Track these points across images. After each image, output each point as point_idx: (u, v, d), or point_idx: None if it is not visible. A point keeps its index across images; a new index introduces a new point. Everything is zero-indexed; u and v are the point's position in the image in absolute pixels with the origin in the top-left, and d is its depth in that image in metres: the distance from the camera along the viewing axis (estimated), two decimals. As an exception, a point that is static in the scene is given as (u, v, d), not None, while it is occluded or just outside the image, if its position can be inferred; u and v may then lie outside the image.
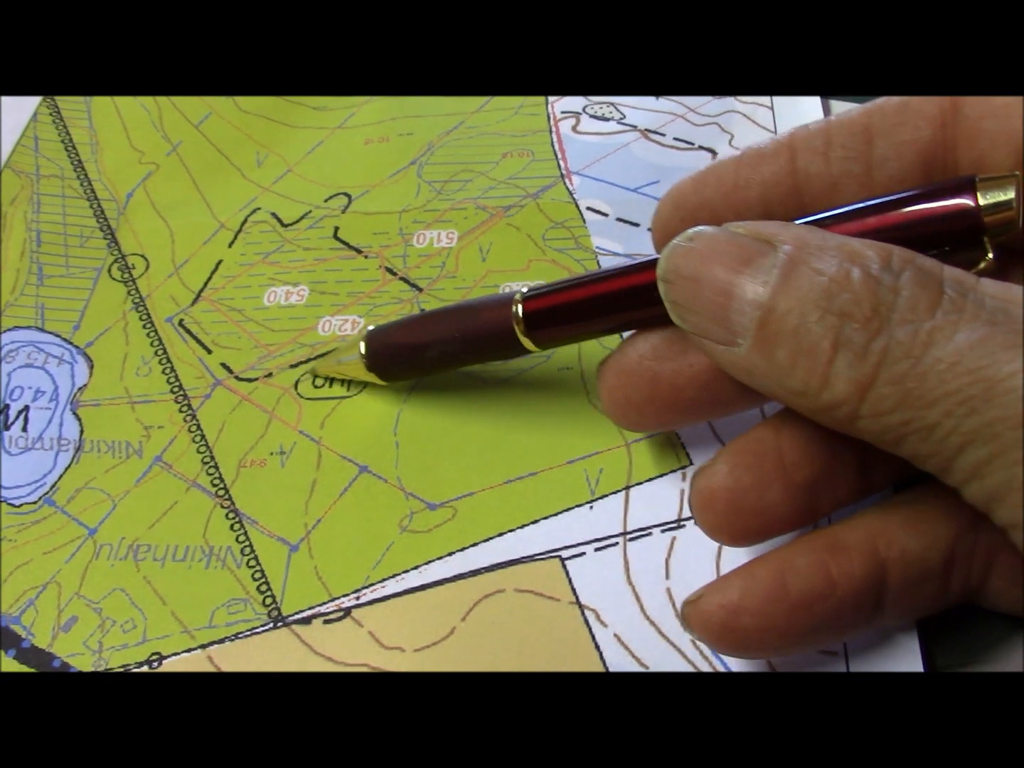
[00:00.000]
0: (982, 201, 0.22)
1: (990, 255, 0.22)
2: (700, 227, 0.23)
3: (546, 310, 0.27)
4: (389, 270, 0.36)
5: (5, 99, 0.43)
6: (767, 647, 0.24)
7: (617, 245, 0.34)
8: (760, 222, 0.22)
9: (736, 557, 0.27)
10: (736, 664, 0.26)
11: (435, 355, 0.30)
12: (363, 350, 0.31)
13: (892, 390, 0.19)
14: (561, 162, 0.37)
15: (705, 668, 0.26)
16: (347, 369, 0.32)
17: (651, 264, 0.24)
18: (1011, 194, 0.21)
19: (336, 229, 0.37)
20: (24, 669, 0.29)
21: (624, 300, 0.25)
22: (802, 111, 0.35)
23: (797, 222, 0.23)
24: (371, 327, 0.32)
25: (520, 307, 0.27)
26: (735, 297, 0.21)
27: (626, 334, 0.27)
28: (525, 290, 0.27)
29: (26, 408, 0.35)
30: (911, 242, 0.21)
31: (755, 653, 0.24)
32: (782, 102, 0.36)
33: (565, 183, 0.36)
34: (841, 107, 0.35)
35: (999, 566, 0.23)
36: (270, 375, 0.34)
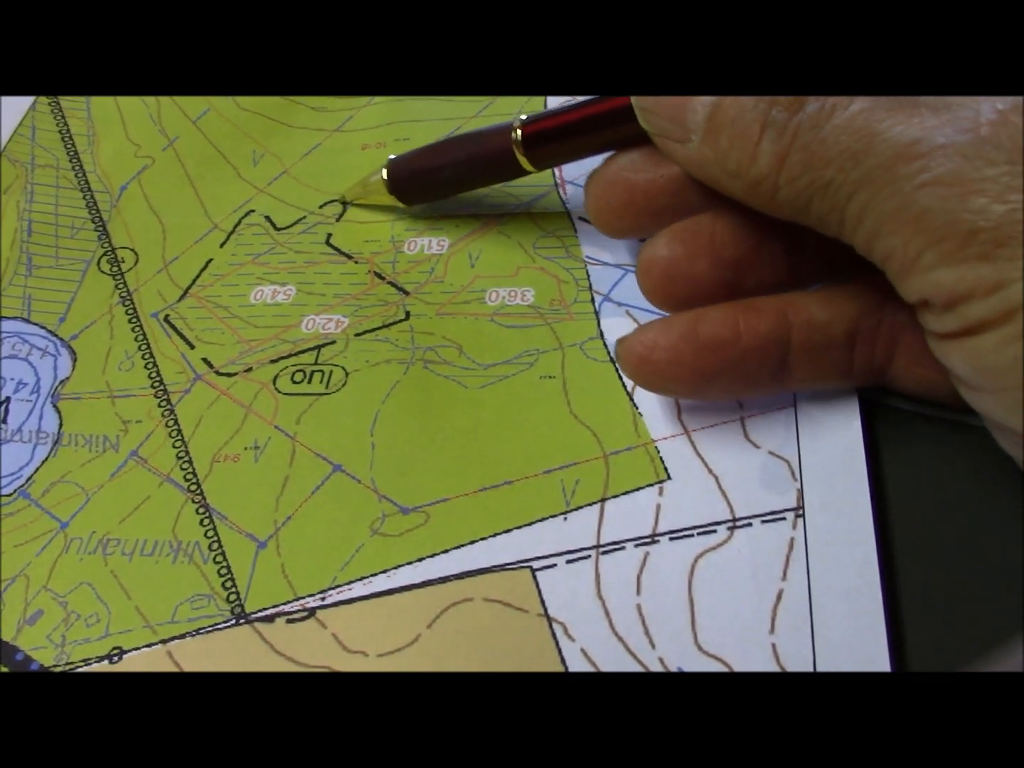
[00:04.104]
0: None
1: None
2: None
3: (541, 132, 0.30)
4: (378, 275, 0.35)
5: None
6: (679, 382, 0.27)
7: (607, 255, 0.34)
8: None
9: (708, 566, 0.27)
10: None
11: (447, 176, 0.34)
12: (385, 175, 0.36)
13: (800, 156, 0.23)
14: (556, 171, 0.36)
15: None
16: (371, 192, 0.37)
17: None
18: None
19: (329, 236, 0.37)
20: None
21: (606, 119, 0.29)
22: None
23: None
24: (393, 155, 0.36)
25: (519, 131, 0.31)
26: (690, 99, 0.25)
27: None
28: (524, 117, 0.31)
29: (7, 400, 0.35)
30: None
31: (669, 387, 0.28)
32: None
33: (559, 192, 0.36)
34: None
35: (903, 346, 0.27)
36: (250, 370, 0.33)
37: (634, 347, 0.27)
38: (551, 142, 0.30)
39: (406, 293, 0.35)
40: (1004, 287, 0.21)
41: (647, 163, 0.28)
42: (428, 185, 0.36)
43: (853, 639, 0.25)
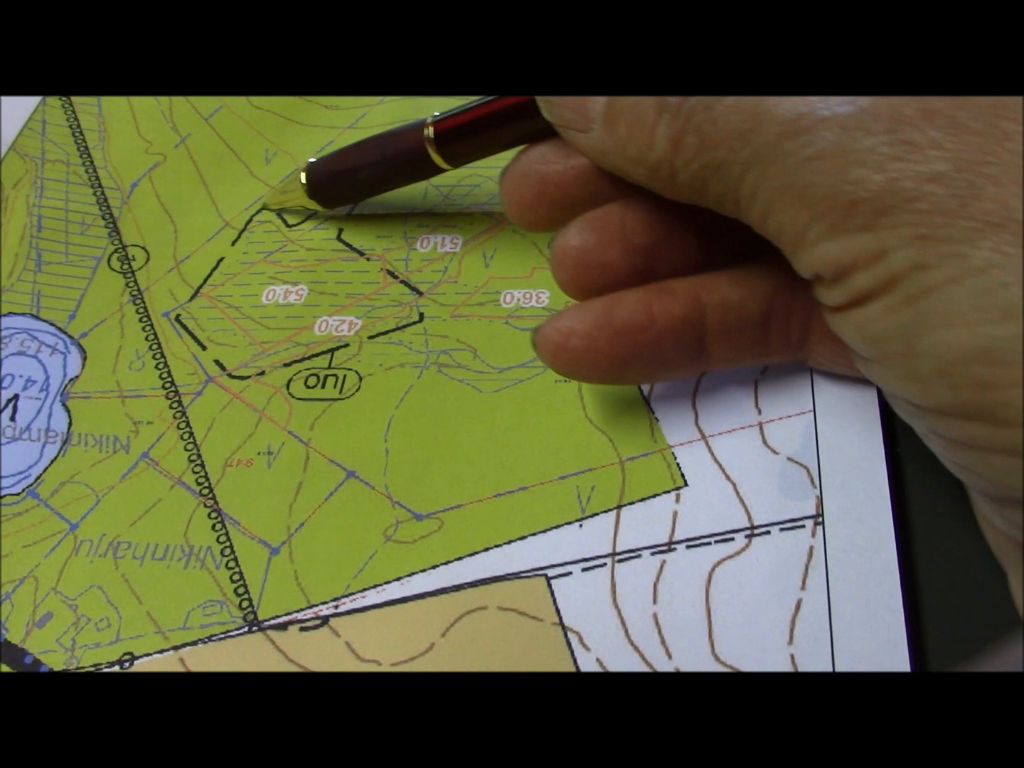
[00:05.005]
0: None
1: None
2: None
3: (452, 128, 0.30)
4: (391, 273, 0.35)
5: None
6: (594, 368, 0.27)
7: (624, 257, 0.33)
8: None
9: (726, 575, 0.26)
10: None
11: (364, 177, 0.35)
12: (303, 179, 0.36)
13: (694, 138, 0.23)
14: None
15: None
16: (290, 197, 0.37)
17: None
18: None
19: (340, 231, 0.37)
20: (-5, 664, 0.29)
21: (513, 113, 0.29)
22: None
23: None
24: (312, 159, 0.36)
25: (432, 129, 0.31)
26: None
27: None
28: (437, 114, 0.31)
29: (16, 397, 0.34)
30: None
31: (586, 374, 0.28)
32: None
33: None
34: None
35: (817, 322, 0.27)
36: (263, 373, 0.33)
37: (550, 335, 0.27)
38: (463, 138, 0.30)
39: (419, 293, 0.34)
40: (885, 256, 0.21)
41: (557, 155, 0.28)
42: (347, 187, 0.36)
43: (873, 649, 0.25)
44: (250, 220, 0.38)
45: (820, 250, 0.22)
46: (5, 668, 0.28)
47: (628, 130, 0.25)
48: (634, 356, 0.27)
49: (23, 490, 0.32)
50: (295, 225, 0.37)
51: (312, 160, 0.36)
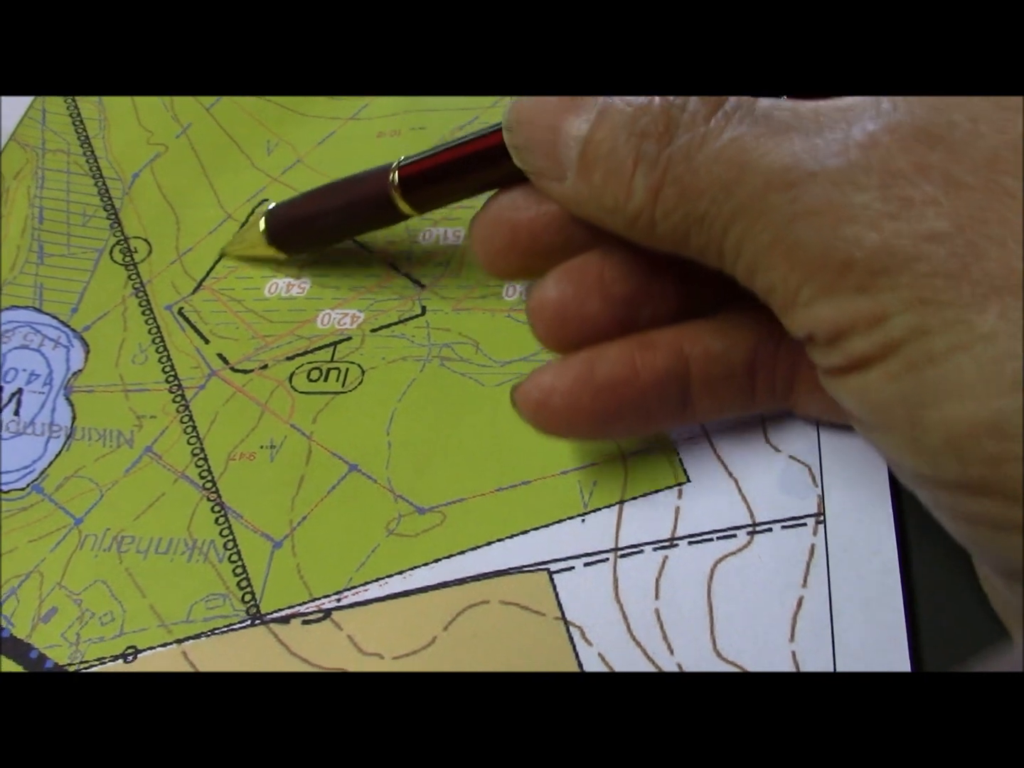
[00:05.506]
0: None
1: None
2: None
3: (418, 174, 0.29)
4: (393, 266, 0.35)
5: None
6: (577, 425, 0.27)
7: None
8: None
9: (727, 572, 0.26)
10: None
11: (327, 224, 0.34)
12: (263, 226, 0.35)
13: (674, 189, 0.22)
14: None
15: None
16: (249, 245, 0.36)
17: (500, 127, 0.27)
18: None
19: (343, 224, 0.37)
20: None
21: (482, 159, 0.28)
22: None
23: None
24: (272, 204, 0.35)
25: (396, 174, 0.30)
26: (562, 134, 0.24)
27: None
28: (403, 158, 0.30)
29: (19, 391, 0.34)
30: None
31: (568, 431, 0.27)
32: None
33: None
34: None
35: (803, 372, 0.27)
36: (265, 367, 0.33)
37: (530, 393, 0.26)
38: (430, 184, 0.29)
39: (422, 287, 0.34)
40: (885, 320, 0.20)
41: (528, 201, 0.27)
42: (308, 234, 0.35)
43: (874, 647, 0.25)
44: (252, 212, 0.38)
45: (814, 311, 0.21)
46: (11, 663, 0.29)
47: (604, 179, 0.24)
48: (618, 412, 0.26)
49: (28, 485, 0.32)
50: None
51: (272, 206, 0.35)
